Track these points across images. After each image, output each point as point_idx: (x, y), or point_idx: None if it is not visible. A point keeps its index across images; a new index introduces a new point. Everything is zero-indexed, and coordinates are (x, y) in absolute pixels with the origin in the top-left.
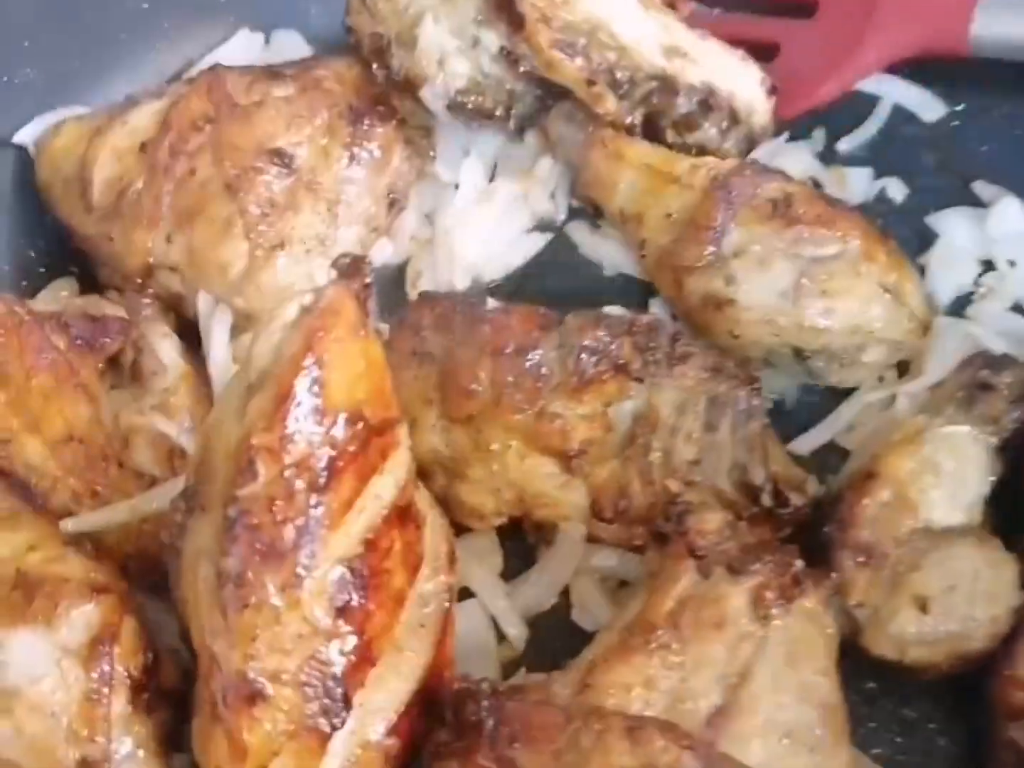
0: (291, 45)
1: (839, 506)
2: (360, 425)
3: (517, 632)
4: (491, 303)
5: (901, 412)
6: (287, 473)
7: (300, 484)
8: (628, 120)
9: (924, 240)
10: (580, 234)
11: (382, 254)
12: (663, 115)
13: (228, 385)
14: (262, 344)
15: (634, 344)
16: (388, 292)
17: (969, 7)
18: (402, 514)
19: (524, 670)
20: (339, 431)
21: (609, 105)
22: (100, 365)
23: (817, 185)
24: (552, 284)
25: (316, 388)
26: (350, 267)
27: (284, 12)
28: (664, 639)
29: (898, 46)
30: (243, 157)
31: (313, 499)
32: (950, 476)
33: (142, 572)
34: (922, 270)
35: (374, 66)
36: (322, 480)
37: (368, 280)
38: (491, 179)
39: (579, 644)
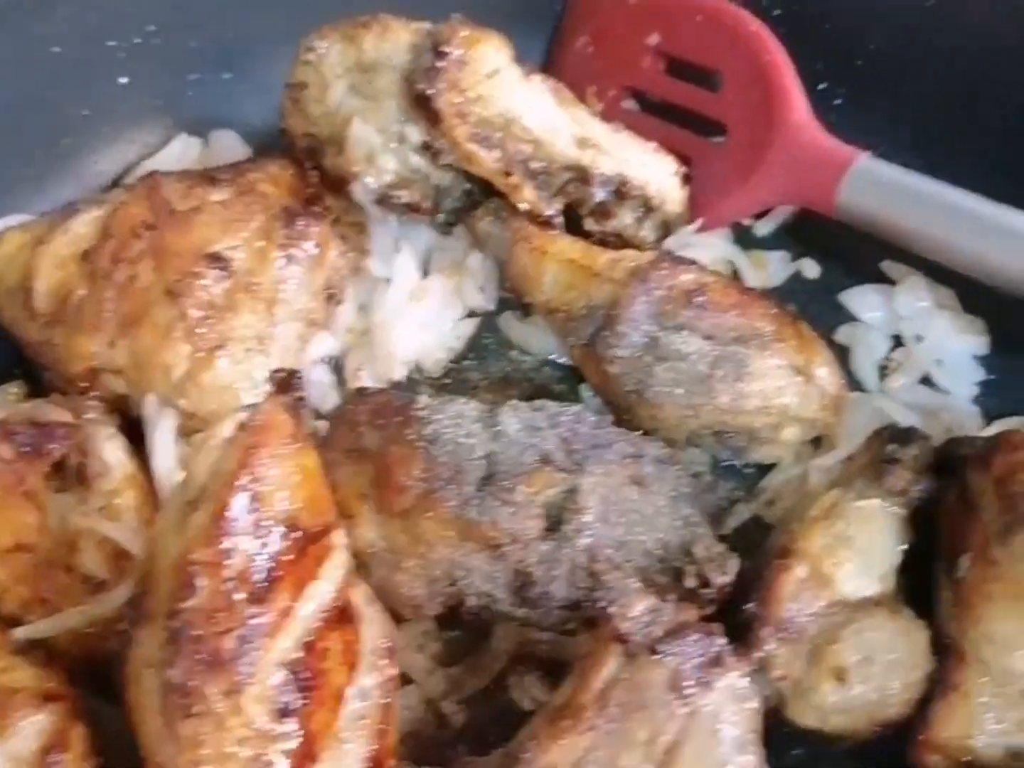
0: (229, 144)
1: (759, 584)
2: (297, 534)
3: (455, 715)
4: (423, 399)
5: (814, 486)
6: (226, 586)
7: (240, 596)
8: (548, 211)
9: (839, 317)
10: (510, 324)
11: (322, 347)
12: (581, 204)
13: (169, 500)
14: (200, 461)
15: (559, 436)
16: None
17: (836, 179)
18: (340, 616)
19: (462, 752)
20: (276, 542)
21: (527, 195)
22: (46, 470)
23: (734, 269)
24: (488, 368)
25: (252, 503)
26: (284, 381)
27: (221, 113)
28: (593, 720)
29: (778, 195)
30: (182, 263)
31: (253, 610)
32: (862, 549)
33: (91, 675)
34: (843, 348)
35: (307, 165)
36: (261, 591)
37: (301, 393)
38: (424, 271)
39: (517, 723)
